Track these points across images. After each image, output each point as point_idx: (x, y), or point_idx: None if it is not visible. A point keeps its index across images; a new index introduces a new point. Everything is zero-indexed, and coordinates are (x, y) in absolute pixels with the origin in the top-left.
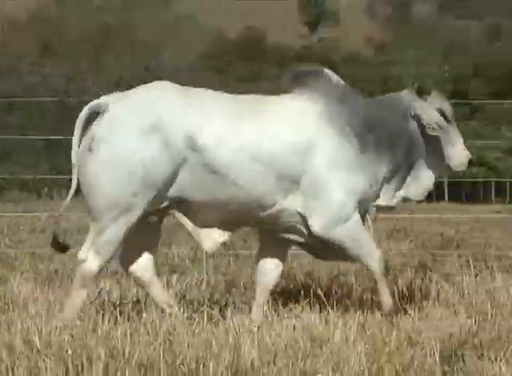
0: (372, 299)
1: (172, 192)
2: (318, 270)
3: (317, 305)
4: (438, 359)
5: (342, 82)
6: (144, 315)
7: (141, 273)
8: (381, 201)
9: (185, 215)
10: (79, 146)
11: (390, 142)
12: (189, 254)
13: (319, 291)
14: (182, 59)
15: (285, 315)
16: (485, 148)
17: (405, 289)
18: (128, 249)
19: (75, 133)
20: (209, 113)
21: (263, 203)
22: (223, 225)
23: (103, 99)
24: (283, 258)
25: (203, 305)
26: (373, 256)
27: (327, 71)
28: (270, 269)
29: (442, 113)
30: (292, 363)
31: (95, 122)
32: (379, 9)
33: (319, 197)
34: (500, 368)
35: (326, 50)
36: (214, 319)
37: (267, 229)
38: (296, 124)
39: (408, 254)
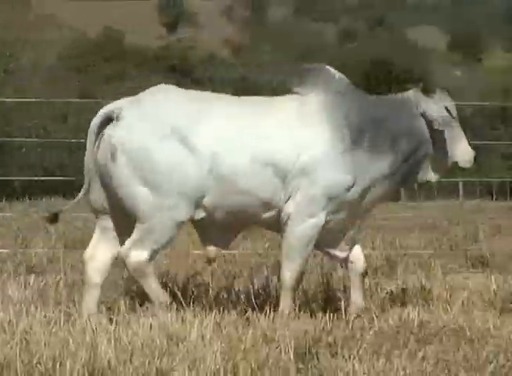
0: (228, 298)
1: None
2: (174, 269)
3: (174, 304)
4: (292, 357)
5: (346, 80)
6: (1, 314)
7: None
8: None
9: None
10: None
11: (392, 142)
12: (47, 253)
13: (176, 290)
14: (42, 60)
15: (142, 314)
16: None
17: (260, 289)
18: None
19: (89, 138)
20: (213, 117)
21: (270, 204)
22: (231, 226)
23: (116, 105)
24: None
25: (60, 305)
26: (294, 266)
27: (329, 68)
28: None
29: (448, 111)
30: (148, 362)
31: (112, 129)
32: (237, 12)
33: (302, 185)
34: (353, 365)
35: (183, 51)
36: (71, 318)
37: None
38: (295, 122)
39: (263, 254)
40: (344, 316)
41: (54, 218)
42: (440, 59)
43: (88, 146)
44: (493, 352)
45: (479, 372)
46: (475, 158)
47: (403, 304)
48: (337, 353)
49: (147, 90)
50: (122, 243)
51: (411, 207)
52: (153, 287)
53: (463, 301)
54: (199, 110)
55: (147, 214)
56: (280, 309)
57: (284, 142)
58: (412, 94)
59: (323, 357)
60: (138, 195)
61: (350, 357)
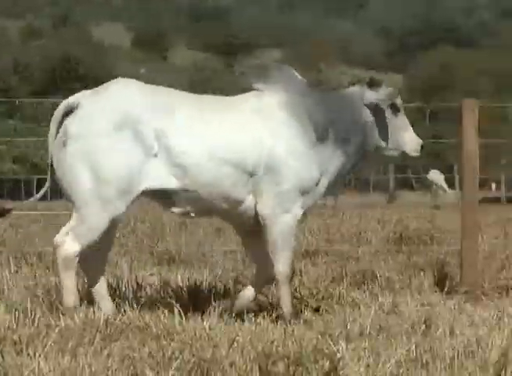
0: None
1: (145, 185)
2: None
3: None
4: None
5: (303, 79)
6: None
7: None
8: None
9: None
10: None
11: (345, 136)
12: None
13: None
14: None
15: None
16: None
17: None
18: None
19: (51, 130)
20: (174, 112)
21: (231, 199)
22: (198, 214)
23: (76, 97)
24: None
25: None
26: (284, 259)
27: (289, 67)
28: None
29: (393, 104)
30: None
31: (69, 118)
32: None
33: (271, 183)
34: (39, 363)
35: None
36: None
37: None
38: (256, 117)
39: None
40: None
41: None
42: (125, 56)
43: (50, 137)
44: (178, 348)
45: (164, 368)
46: (422, 147)
47: (89, 302)
48: (22, 351)
49: (107, 82)
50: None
51: None
52: (68, 284)
53: (150, 297)
54: (156, 102)
55: (84, 202)
56: (284, 307)
57: (245, 139)
58: (357, 88)
59: (8, 355)
60: (79, 181)
61: (35, 355)
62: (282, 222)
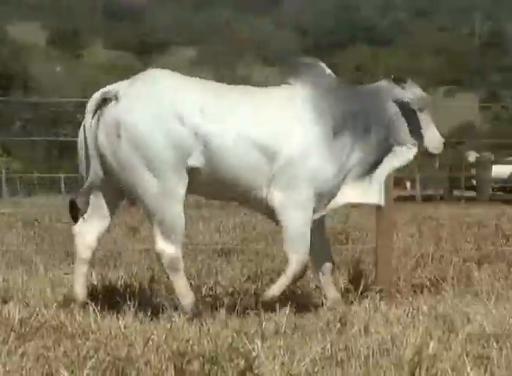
0: None
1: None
2: None
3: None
4: None
5: (333, 75)
6: None
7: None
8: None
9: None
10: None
11: (365, 132)
12: None
13: None
14: None
15: None
16: None
17: None
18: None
19: (87, 118)
20: (209, 101)
21: (255, 189)
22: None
23: (114, 86)
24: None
25: None
26: (299, 256)
27: (321, 64)
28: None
29: (420, 100)
30: None
31: (113, 107)
32: None
33: (287, 174)
34: None
35: None
36: None
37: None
38: (279, 110)
39: None
40: None
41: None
42: (40, 55)
43: (86, 125)
44: (93, 347)
45: (79, 367)
46: (444, 144)
47: (4, 301)
48: None
49: (142, 73)
50: (111, 219)
51: (12, 203)
52: (180, 284)
53: (64, 297)
54: (195, 90)
55: (154, 201)
56: (270, 291)
57: (271, 129)
58: (383, 83)
59: None
60: (143, 181)
61: None
62: (293, 217)
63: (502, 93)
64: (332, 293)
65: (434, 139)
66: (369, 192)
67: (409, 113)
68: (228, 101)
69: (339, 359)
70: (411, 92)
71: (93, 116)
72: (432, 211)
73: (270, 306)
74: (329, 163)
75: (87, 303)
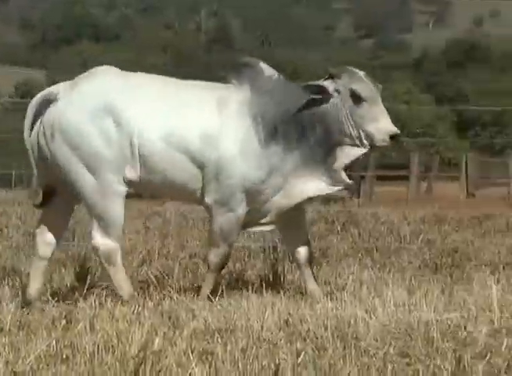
0: None
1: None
2: None
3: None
4: None
5: (276, 75)
6: None
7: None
8: (311, 192)
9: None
10: (31, 133)
11: (302, 132)
12: None
13: None
14: None
15: None
16: None
17: None
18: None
19: (26, 120)
20: (139, 98)
21: (189, 190)
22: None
23: (54, 88)
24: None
25: None
26: (218, 250)
27: (262, 64)
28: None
29: (353, 93)
30: None
31: (50, 109)
32: None
33: (218, 180)
34: None
35: None
36: None
37: None
38: (211, 112)
39: None
40: None
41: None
42: None
43: (25, 127)
44: None
45: None
46: (395, 136)
47: None
48: None
49: (85, 72)
50: (69, 215)
51: None
52: (119, 277)
53: None
54: (129, 90)
55: (92, 197)
56: (202, 289)
57: (199, 131)
58: (320, 82)
59: None
60: (81, 178)
61: None
62: (224, 218)
63: None
64: (310, 285)
65: (378, 131)
66: (335, 179)
67: (340, 106)
68: (161, 101)
69: (64, 356)
70: (345, 86)
71: (34, 118)
72: (159, 208)
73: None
74: (257, 169)
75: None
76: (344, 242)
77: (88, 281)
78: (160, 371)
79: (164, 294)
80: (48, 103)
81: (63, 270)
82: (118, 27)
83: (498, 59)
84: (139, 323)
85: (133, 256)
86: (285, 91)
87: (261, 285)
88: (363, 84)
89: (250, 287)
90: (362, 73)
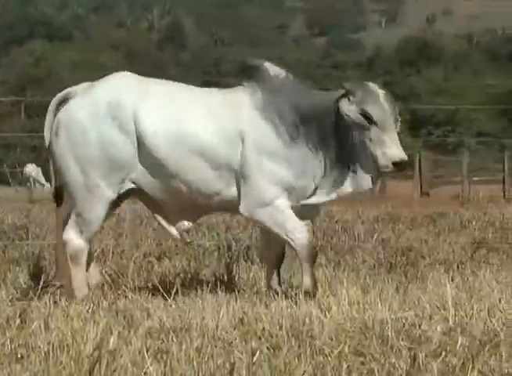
0: None
1: (131, 177)
2: None
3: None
4: None
5: (283, 74)
6: None
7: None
8: (317, 197)
9: (146, 202)
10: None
11: (322, 140)
12: None
13: None
14: None
15: None
16: None
17: None
18: None
19: (46, 119)
20: (151, 102)
21: (205, 193)
22: (181, 213)
23: (74, 87)
24: None
25: None
26: (296, 240)
27: (267, 64)
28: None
29: (364, 115)
30: None
31: (63, 107)
32: None
33: (245, 182)
34: None
35: None
36: None
37: None
38: (228, 114)
39: None
40: None
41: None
42: None
43: (45, 127)
44: None
45: None
46: (399, 163)
47: None
48: None
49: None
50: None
51: None
52: (79, 277)
53: None
54: (142, 94)
55: (77, 195)
56: (304, 282)
57: (216, 136)
58: (336, 94)
59: None
60: (72, 174)
61: None
62: (264, 214)
63: None
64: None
65: (383, 156)
66: (356, 181)
67: (351, 127)
68: (176, 107)
69: (19, 355)
70: (355, 107)
71: (53, 117)
72: None
73: (314, 292)
74: (283, 168)
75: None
76: None
77: (42, 280)
78: (114, 370)
79: (118, 294)
80: (64, 101)
81: (18, 269)
82: (71, 26)
83: (451, 58)
84: (94, 322)
85: None
86: (296, 90)
87: (216, 284)
88: (377, 105)
89: (205, 286)
90: (380, 92)
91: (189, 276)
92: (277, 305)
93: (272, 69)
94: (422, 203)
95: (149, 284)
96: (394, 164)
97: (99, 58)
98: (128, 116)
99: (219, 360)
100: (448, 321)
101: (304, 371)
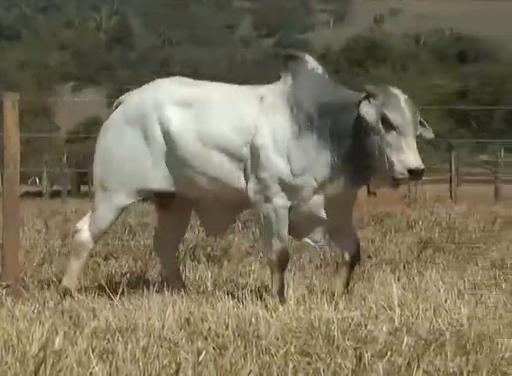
0: None
1: (159, 182)
2: None
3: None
4: None
5: (319, 70)
6: None
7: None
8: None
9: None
10: None
11: (336, 137)
12: None
13: None
14: None
15: None
16: None
17: None
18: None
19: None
20: (178, 103)
21: (231, 188)
22: (220, 210)
23: (126, 95)
24: None
25: None
26: (272, 248)
27: (307, 57)
28: None
29: (384, 119)
30: None
31: None
32: None
33: (254, 172)
34: None
35: None
36: None
37: None
38: (250, 105)
39: None
40: None
41: None
42: None
43: None
44: None
45: None
46: (415, 171)
47: None
48: None
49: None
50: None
51: None
52: (74, 269)
53: None
54: (167, 98)
55: (97, 195)
56: (272, 290)
57: (233, 126)
58: (358, 95)
59: None
60: (98, 171)
61: None
62: (264, 209)
63: (131, 88)
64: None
65: (398, 163)
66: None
67: (370, 130)
68: (201, 107)
69: None
70: (375, 110)
71: None
72: (59, 207)
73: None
74: (290, 161)
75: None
76: (245, 241)
77: None
78: (60, 371)
79: (64, 293)
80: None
81: None
82: (19, 26)
83: (398, 58)
84: (40, 322)
85: (34, 255)
86: (325, 88)
87: (163, 284)
88: (397, 110)
89: (151, 286)
90: (401, 96)
91: (136, 276)
92: (223, 305)
93: (312, 63)
94: (369, 203)
95: (96, 284)
96: (410, 171)
97: (47, 58)
98: (155, 122)
99: (165, 360)
100: (394, 321)
101: (250, 371)
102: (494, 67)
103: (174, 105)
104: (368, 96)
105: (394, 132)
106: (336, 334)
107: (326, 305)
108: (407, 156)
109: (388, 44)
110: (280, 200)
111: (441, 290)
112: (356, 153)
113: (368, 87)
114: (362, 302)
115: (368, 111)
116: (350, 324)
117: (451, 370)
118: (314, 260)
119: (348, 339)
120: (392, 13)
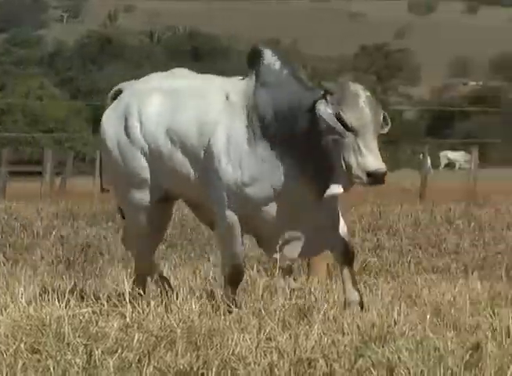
0: None
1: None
2: None
3: None
4: None
5: (279, 64)
6: None
7: None
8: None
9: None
10: None
11: (298, 140)
12: None
13: None
14: None
15: None
16: None
17: None
18: None
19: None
20: (152, 95)
21: (193, 187)
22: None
23: (126, 83)
24: None
25: None
26: (224, 261)
27: (266, 51)
28: None
29: (340, 119)
30: None
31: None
32: None
33: (209, 177)
34: None
35: None
36: None
37: None
38: (210, 105)
39: None
40: None
41: None
42: None
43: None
44: None
45: None
46: (375, 174)
47: None
48: None
49: None
50: None
51: None
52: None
53: None
54: (150, 88)
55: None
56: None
57: (193, 126)
58: (317, 93)
59: None
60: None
61: None
62: (218, 216)
63: None
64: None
65: (358, 165)
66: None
67: (329, 132)
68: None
69: None
70: (331, 110)
71: None
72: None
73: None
74: (238, 168)
75: None
76: None
77: None
78: None
79: None
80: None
81: None
82: None
83: (132, 54)
84: None
85: None
86: (287, 88)
87: None
88: (355, 109)
89: None
90: (361, 94)
91: None
92: None
93: (275, 59)
94: (102, 199)
95: None
96: (370, 174)
97: None
98: (136, 112)
99: None
100: (126, 317)
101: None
102: (228, 64)
103: (155, 98)
104: (325, 94)
105: (352, 134)
106: (66, 331)
107: (57, 303)
108: (365, 158)
109: (122, 40)
110: (229, 212)
111: (176, 284)
112: (317, 157)
113: (325, 84)
114: (94, 299)
115: (324, 111)
116: (81, 321)
117: (181, 367)
118: (46, 257)
119: (79, 336)
120: (126, 10)
